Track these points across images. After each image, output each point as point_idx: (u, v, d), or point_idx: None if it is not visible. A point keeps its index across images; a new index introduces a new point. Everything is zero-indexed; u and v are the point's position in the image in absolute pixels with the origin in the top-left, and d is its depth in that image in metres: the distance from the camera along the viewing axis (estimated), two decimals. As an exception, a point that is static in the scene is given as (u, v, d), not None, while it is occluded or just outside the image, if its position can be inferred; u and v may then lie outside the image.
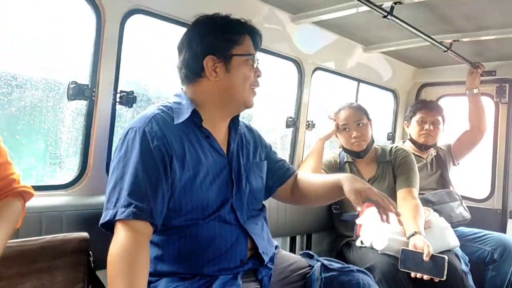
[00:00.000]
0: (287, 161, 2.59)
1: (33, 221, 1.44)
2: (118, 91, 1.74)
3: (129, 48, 1.77)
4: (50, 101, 1.69)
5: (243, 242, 1.47)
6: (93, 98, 1.66)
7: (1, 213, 1.16)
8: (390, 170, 2.46)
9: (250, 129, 1.71)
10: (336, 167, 2.56)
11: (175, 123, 1.41)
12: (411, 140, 2.90)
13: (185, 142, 1.41)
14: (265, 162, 1.68)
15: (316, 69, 2.64)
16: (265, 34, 2.20)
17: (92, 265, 1.43)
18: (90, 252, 1.43)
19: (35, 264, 1.31)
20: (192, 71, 1.46)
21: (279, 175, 1.73)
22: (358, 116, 2.48)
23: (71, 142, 1.74)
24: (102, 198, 1.65)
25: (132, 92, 1.77)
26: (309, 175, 1.80)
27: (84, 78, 1.67)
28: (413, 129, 2.89)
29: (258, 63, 1.52)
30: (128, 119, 1.89)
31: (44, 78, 1.68)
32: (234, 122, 1.58)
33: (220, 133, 1.53)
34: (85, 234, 1.44)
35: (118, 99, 1.74)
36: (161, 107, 1.45)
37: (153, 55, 2.05)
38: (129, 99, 1.76)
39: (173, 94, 1.53)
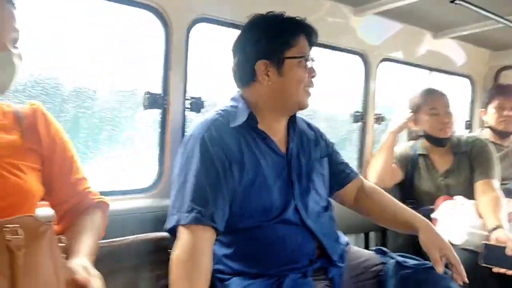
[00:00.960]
0: (356, 156, 2.58)
1: (118, 222, 1.56)
2: (187, 97, 1.82)
3: (194, 55, 1.85)
4: (128, 111, 1.82)
5: (309, 242, 1.46)
6: (165, 106, 1.76)
7: (89, 225, 1.23)
8: (467, 162, 2.33)
9: (310, 126, 1.68)
10: (408, 160, 2.47)
11: (231, 126, 1.43)
12: (490, 127, 2.73)
13: (243, 145, 1.42)
14: (326, 159, 1.65)
15: (382, 60, 2.58)
16: (328, 29, 2.21)
17: (173, 263, 1.52)
18: (169, 251, 1.52)
19: (122, 263, 1.41)
20: (245, 75, 1.47)
21: (340, 178, 1.68)
22: (448, 102, 2.38)
23: (148, 149, 1.86)
24: (179, 200, 1.77)
25: (200, 98, 1.84)
26: (383, 196, 1.69)
27: (156, 88, 1.77)
28: (490, 116, 2.71)
29: (312, 62, 1.48)
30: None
31: (120, 90, 1.81)
32: (291, 122, 1.57)
33: (277, 134, 1.52)
34: (165, 234, 1.52)
35: (188, 106, 1.82)
36: (219, 112, 1.48)
37: (218, 59, 2.13)
38: (197, 105, 1.83)
39: (230, 98, 1.55)
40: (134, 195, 1.74)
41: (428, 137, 2.41)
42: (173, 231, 1.35)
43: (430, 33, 2.66)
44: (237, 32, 1.54)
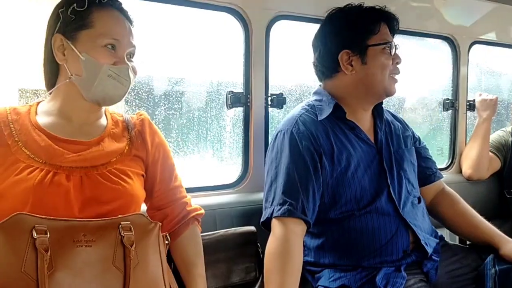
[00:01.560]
0: (448, 145, 2.44)
1: (209, 217, 1.64)
2: (269, 94, 1.85)
3: (274, 52, 1.87)
4: (213, 111, 1.91)
5: (404, 233, 1.42)
6: (248, 104, 1.81)
7: (196, 248, 1.33)
8: None
9: (395, 116, 1.66)
10: (507, 147, 2.30)
11: (319, 119, 1.45)
12: None
13: (332, 136, 1.43)
14: (414, 148, 1.62)
15: (473, 43, 2.41)
16: (412, 14, 2.13)
17: (261, 255, 1.55)
18: (259, 244, 1.57)
19: (214, 255, 1.48)
20: (328, 67, 1.49)
21: (425, 174, 1.64)
22: None
23: (234, 146, 1.93)
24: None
25: (282, 94, 1.87)
26: (463, 205, 1.63)
27: (238, 87, 1.83)
28: None
29: (397, 49, 1.46)
30: (280, 119, 2.00)
31: (206, 91, 1.90)
32: (378, 110, 1.55)
33: (365, 123, 1.52)
34: (252, 228, 1.58)
35: (269, 102, 1.85)
36: (305, 107, 1.50)
37: (298, 55, 2.14)
38: (279, 101, 1.86)
39: (312, 92, 1.57)
40: (222, 191, 1.81)
41: None
42: (267, 225, 1.40)
43: (527, 9, 2.43)
44: (316, 27, 1.55)
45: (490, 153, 2.28)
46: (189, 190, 1.76)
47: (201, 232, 1.48)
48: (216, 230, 1.55)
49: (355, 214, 1.41)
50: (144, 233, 1.11)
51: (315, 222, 1.39)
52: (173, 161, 1.36)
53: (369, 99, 1.51)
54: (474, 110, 2.44)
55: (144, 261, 1.09)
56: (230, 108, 1.81)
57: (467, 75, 2.42)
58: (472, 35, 2.39)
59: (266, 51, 1.82)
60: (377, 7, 1.47)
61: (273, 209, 1.36)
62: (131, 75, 1.18)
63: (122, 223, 1.08)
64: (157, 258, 1.13)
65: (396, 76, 1.49)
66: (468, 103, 2.44)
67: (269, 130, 1.87)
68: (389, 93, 1.48)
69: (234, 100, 1.80)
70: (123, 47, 1.16)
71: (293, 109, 1.54)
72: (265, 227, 1.41)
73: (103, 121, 1.25)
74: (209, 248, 1.48)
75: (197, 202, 1.67)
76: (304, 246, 1.40)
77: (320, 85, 1.57)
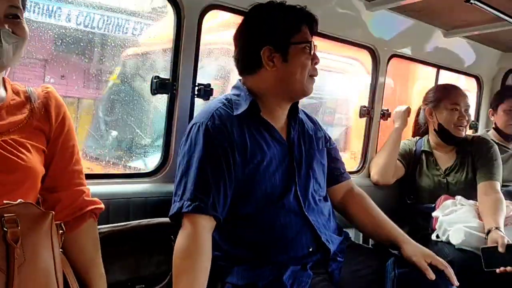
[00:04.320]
0: (361, 151, 2.58)
1: (122, 206, 1.57)
2: (197, 84, 1.81)
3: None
4: (136, 95, 1.82)
5: (307, 232, 1.47)
6: (174, 91, 1.76)
7: (95, 246, 1.24)
8: (470, 161, 2.33)
9: (309, 117, 1.70)
10: (411, 155, 2.48)
11: (234, 114, 1.44)
12: (496, 129, 2.72)
13: (247, 133, 1.43)
14: (325, 150, 1.67)
15: (392, 56, 2.56)
16: (338, 21, 2.19)
17: (175, 249, 1.54)
18: (172, 237, 1.53)
19: (123, 247, 1.42)
20: (249, 62, 1.48)
21: (335, 175, 1.71)
22: (468, 103, 2.37)
23: (155, 133, 1.86)
24: (183, 186, 1.77)
25: (209, 85, 1.83)
26: (370, 204, 1.71)
27: (166, 73, 1.76)
28: (499, 118, 2.70)
29: (315, 50, 1.49)
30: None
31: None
32: (293, 110, 1.58)
33: (279, 122, 1.54)
34: (167, 220, 1.52)
35: (196, 92, 1.81)
36: (222, 100, 1.49)
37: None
38: (206, 92, 1.82)
39: (232, 86, 1.56)
40: (138, 179, 1.74)
41: (441, 132, 2.38)
42: (176, 218, 1.37)
43: (441, 30, 2.63)
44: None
45: (397, 161, 2.44)
46: (103, 176, 1.69)
47: (113, 222, 1.42)
48: (129, 221, 1.49)
49: (264, 211, 1.43)
50: (33, 226, 0.99)
51: (225, 217, 1.39)
52: (76, 142, 1.25)
53: (287, 98, 1.52)
54: (386, 120, 2.60)
55: (32, 258, 0.98)
56: (155, 94, 1.74)
57: (384, 85, 2.57)
58: (391, 48, 2.54)
59: (197, 39, 1.77)
60: (298, 6, 1.48)
61: (183, 204, 1.33)
62: (7, 39, 1.07)
63: (5, 215, 0.94)
64: (48, 253, 1.03)
65: (314, 77, 1.52)
66: (382, 112, 2.59)
67: (194, 121, 1.83)
68: (306, 93, 1.51)
69: (160, 86, 1.73)
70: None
71: (210, 102, 1.53)
72: (174, 221, 1.38)
73: (1, 92, 1.15)
74: (120, 239, 1.42)
75: (110, 190, 1.60)
76: (214, 241, 1.39)
77: (240, 80, 1.56)
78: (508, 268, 1.80)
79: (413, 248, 1.52)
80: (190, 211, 1.32)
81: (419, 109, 2.57)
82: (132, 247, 1.45)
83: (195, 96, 1.81)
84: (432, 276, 1.41)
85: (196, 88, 1.81)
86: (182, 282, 1.26)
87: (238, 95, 1.50)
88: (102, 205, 1.27)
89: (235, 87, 1.54)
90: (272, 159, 1.46)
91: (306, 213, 1.48)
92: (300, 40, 1.45)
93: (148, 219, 1.53)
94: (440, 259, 1.48)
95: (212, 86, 1.84)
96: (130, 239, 1.45)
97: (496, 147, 2.37)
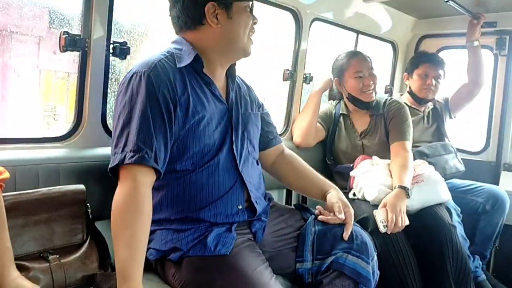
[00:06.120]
0: (284, 115, 2.61)
1: (30, 173, 1.45)
2: (112, 41, 1.69)
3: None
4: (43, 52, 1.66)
5: (239, 189, 1.50)
6: (86, 49, 1.63)
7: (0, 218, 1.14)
8: (383, 123, 2.45)
9: (243, 81, 1.71)
10: (331, 118, 2.55)
11: (177, 66, 1.41)
12: (410, 93, 2.87)
13: (189, 87, 1.41)
14: (259, 113, 1.69)
15: (314, 19, 2.57)
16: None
17: (90, 216, 1.46)
18: (88, 204, 1.45)
19: (33, 216, 1.33)
20: (193, 19, 1.45)
21: (267, 139, 1.75)
22: (371, 65, 2.45)
23: (66, 94, 1.72)
24: (98, 150, 1.67)
25: (126, 43, 1.72)
26: (301, 163, 1.79)
27: (76, 28, 1.62)
28: (414, 83, 2.83)
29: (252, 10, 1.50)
30: (123, 69, 1.86)
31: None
32: (231, 71, 1.58)
33: (219, 81, 1.54)
34: (81, 186, 1.46)
35: (111, 50, 1.69)
36: (164, 53, 1.44)
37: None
38: (122, 50, 1.71)
39: (171, 42, 1.51)
40: (48, 144, 1.62)
41: (352, 99, 2.48)
42: (115, 172, 1.32)
43: (361, -4, 2.68)
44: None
45: (318, 124, 2.50)
46: (8, 141, 1.54)
47: (20, 190, 1.31)
48: (38, 188, 1.38)
49: (197, 168, 1.43)
50: None
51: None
52: None
53: (229, 56, 1.52)
54: (309, 83, 2.63)
55: None
56: (64, 51, 1.60)
57: (306, 49, 2.58)
58: (314, 12, 2.55)
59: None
60: None
61: (125, 155, 1.28)
62: None
63: None
64: None
65: (252, 37, 1.53)
66: (305, 76, 2.62)
67: (109, 81, 1.72)
68: (247, 53, 1.52)
69: (70, 42, 1.59)
70: None
71: (150, 54, 1.45)
72: (113, 175, 1.33)
73: None
74: (29, 208, 1.33)
75: (16, 155, 1.47)
76: None
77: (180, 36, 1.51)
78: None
79: (336, 194, 1.66)
80: (134, 162, 1.27)
81: None
82: (43, 216, 1.36)
83: (110, 54, 1.69)
84: (342, 217, 1.56)
85: (111, 46, 1.69)
86: (123, 237, 1.23)
87: (180, 50, 1.46)
88: (7, 174, 1.18)
89: (175, 42, 1.50)
90: (212, 117, 1.46)
91: (241, 171, 1.50)
92: None
93: (61, 186, 1.44)
94: (351, 214, 1.59)
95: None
96: (40, 208, 1.35)
97: (406, 108, 2.50)
